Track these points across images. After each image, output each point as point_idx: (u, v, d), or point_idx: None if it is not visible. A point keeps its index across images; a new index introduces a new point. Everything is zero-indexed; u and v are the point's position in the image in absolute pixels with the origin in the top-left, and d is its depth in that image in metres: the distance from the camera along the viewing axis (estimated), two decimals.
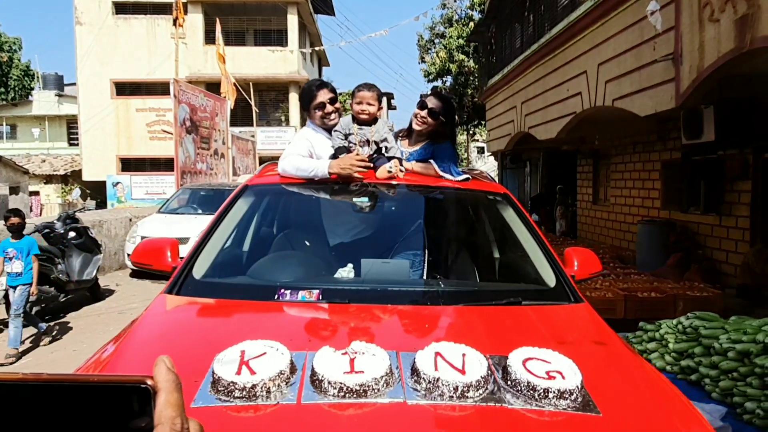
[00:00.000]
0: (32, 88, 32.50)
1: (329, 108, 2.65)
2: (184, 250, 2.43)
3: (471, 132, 29.58)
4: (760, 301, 6.71)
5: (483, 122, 19.71)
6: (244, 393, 1.28)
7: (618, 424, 1.31)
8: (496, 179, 17.95)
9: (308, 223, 2.69)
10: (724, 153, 7.52)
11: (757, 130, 6.77)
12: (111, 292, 7.98)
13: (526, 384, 1.34)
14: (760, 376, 3.60)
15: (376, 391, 1.30)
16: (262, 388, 1.29)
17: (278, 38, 23.42)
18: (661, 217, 9.13)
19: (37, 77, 32.64)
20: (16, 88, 32.84)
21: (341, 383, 1.29)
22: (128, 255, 9.17)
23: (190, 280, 2.06)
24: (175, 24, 12.45)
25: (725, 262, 7.67)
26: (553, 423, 1.28)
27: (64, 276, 6.46)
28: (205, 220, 4.71)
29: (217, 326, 1.81)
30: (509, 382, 1.37)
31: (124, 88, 22.94)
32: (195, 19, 22.26)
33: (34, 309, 6.15)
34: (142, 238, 7.95)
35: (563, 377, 1.36)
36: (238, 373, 1.31)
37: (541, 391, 1.32)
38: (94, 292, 7.41)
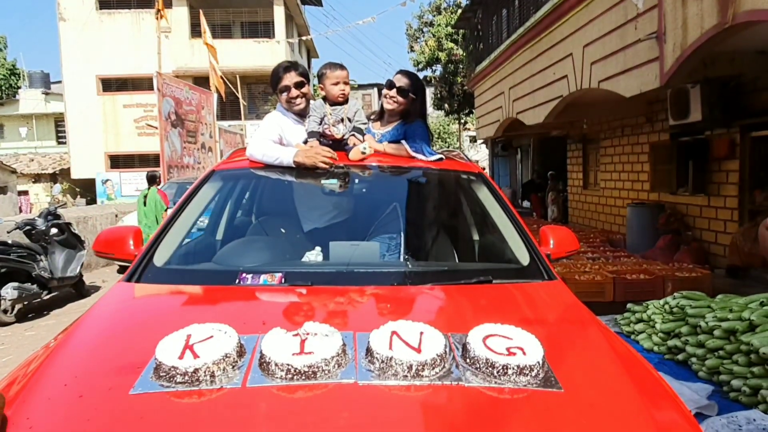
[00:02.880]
0: (18, 87, 32.07)
1: (294, 92, 2.56)
2: None
3: (463, 121, 29.45)
4: (749, 280, 6.70)
5: (473, 111, 19.62)
6: (186, 378, 1.21)
7: (580, 400, 1.25)
8: (488, 167, 17.88)
9: (278, 208, 2.62)
10: (711, 133, 7.49)
11: (743, 108, 6.73)
12: (97, 288, 7.89)
13: (484, 361, 1.28)
14: (746, 353, 3.57)
15: (326, 372, 1.24)
16: (205, 372, 1.22)
17: (265, 30, 23.16)
18: (651, 200, 9.11)
19: (23, 76, 32.23)
20: (3, 88, 32.40)
21: (289, 365, 1.22)
22: None
23: (150, 268, 1.99)
24: (157, 16, 12.25)
25: (714, 243, 7.65)
26: (512, 400, 1.22)
27: (46, 273, 6.36)
28: None
29: (169, 312, 1.74)
30: (468, 360, 1.31)
31: (111, 84, 22.65)
32: (180, 13, 21.97)
33: (17, 307, 6.08)
34: None
35: (524, 353, 1.30)
36: (181, 357, 1.25)
37: (500, 367, 1.26)
38: (80, 289, 7.30)
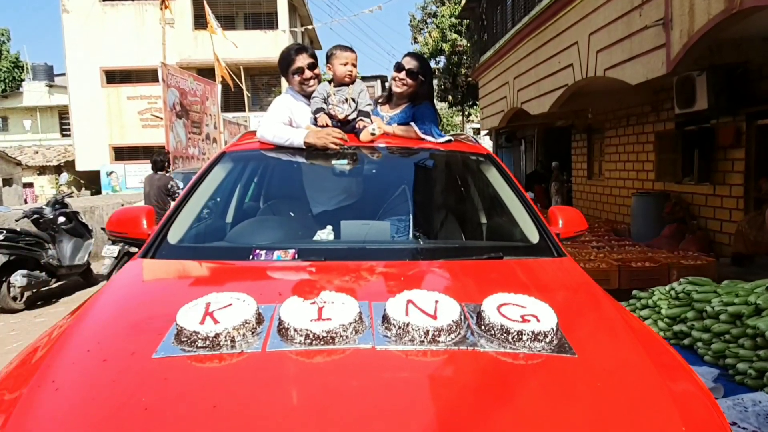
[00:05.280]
0: (22, 80, 32.09)
1: (308, 73, 2.58)
2: None
3: (466, 113, 29.36)
4: (754, 268, 6.70)
5: (477, 103, 19.57)
6: (208, 342, 1.24)
7: (594, 365, 1.27)
8: None
9: (289, 189, 2.64)
10: (717, 121, 7.46)
11: (749, 96, 6.70)
12: (104, 277, 7.94)
13: (499, 327, 1.30)
14: (752, 337, 3.58)
15: (344, 338, 1.26)
16: (225, 337, 1.25)
17: (268, 21, 23.12)
18: (656, 189, 9.10)
19: (27, 68, 32.25)
20: (6, 80, 32.43)
21: (308, 330, 1.25)
22: None
23: (164, 245, 2.02)
24: (161, 7, 12.25)
25: (719, 232, 7.65)
26: (527, 365, 1.24)
27: (54, 261, 6.41)
28: None
29: (186, 284, 1.77)
30: (483, 327, 1.33)
31: (114, 77, 22.66)
32: (184, 4, 21.93)
33: (26, 294, 6.13)
34: None
35: (538, 320, 1.32)
36: (202, 323, 1.27)
37: (515, 333, 1.28)
38: (87, 277, 7.35)
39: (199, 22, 20.77)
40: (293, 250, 1.88)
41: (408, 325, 1.27)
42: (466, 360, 1.24)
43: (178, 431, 1.01)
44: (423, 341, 1.26)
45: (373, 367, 1.21)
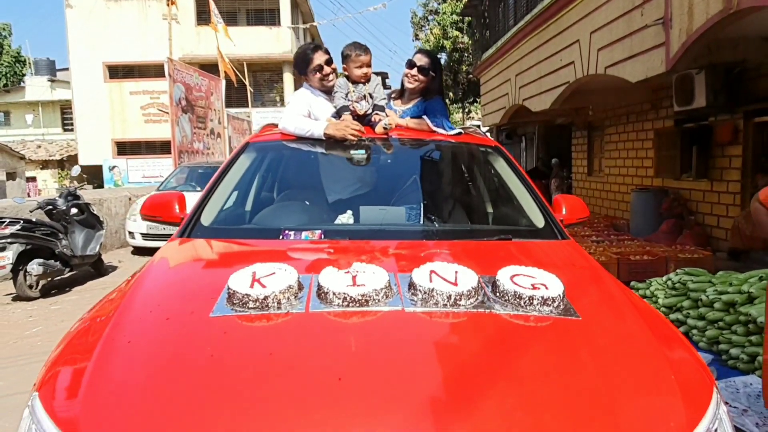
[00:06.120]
0: (24, 74, 32.20)
1: (327, 69, 2.75)
2: None
3: (467, 110, 29.51)
4: (750, 262, 6.87)
5: (478, 100, 19.74)
6: (258, 304, 1.41)
7: (596, 327, 1.44)
8: None
9: (309, 177, 2.81)
10: (715, 119, 7.63)
11: (746, 94, 6.87)
12: (114, 268, 8.12)
13: (513, 294, 1.47)
14: (744, 323, 3.75)
15: (376, 301, 1.43)
16: (273, 299, 1.42)
17: (270, 18, 23.25)
18: (655, 185, 9.27)
19: (29, 63, 32.35)
20: (8, 75, 32.51)
21: (345, 294, 1.42)
22: (129, 233, 9.29)
23: (199, 227, 2.19)
24: (168, 2, 12.39)
25: (716, 227, 7.82)
26: (537, 326, 1.42)
27: (68, 251, 6.57)
28: None
29: (227, 258, 1.94)
30: (498, 294, 1.51)
31: (117, 72, 22.78)
32: (186, 0, 22.05)
33: (41, 283, 6.30)
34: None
35: (547, 288, 1.50)
36: (251, 287, 1.44)
37: (527, 298, 1.45)
38: (98, 268, 7.52)
39: (202, 17, 20.89)
40: (319, 231, 2.06)
41: (432, 290, 1.45)
42: (484, 321, 1.41)
43: (241, 371, 1.18)
44: (446, 304, 1.44)
45: (403, 326, 1.39)
